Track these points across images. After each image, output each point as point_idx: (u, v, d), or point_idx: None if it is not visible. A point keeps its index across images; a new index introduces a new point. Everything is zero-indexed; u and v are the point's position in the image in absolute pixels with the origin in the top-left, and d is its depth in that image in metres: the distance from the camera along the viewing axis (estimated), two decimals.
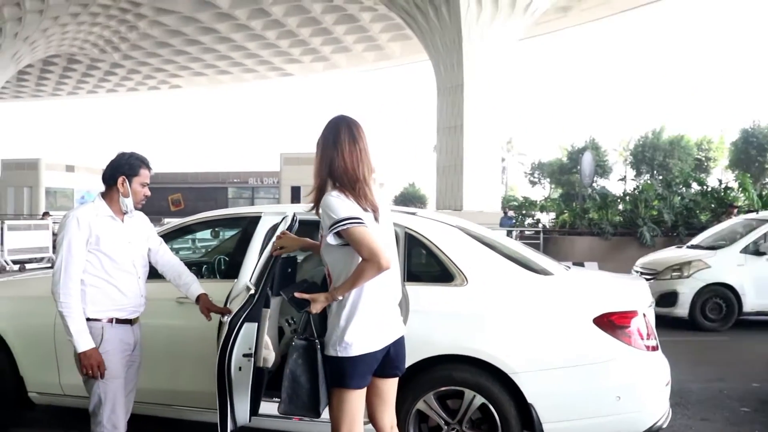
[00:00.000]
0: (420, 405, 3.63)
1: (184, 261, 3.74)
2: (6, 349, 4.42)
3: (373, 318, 2.71)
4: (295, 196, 28.89)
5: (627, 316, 3.53)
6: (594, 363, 3.48)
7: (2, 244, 16.38)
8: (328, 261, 2.77)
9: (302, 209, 3.55)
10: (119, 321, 3.24)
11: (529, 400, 3.47)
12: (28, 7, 34.08)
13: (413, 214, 4.16)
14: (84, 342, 3.09)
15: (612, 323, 3.50)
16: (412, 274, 3.84)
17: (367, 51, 44.51)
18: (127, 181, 3.25)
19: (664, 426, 3.61)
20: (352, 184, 2.70)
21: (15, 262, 16.41)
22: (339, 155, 2.72)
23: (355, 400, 2.74)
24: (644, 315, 3.60)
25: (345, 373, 2.69)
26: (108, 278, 3.20)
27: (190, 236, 6.64)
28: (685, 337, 8.08)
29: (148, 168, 3.34)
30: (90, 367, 3.09)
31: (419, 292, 3.70)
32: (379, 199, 2.80)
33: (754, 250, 9.00)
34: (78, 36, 40.42)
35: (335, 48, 43.96)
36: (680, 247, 10.88)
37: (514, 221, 19.04)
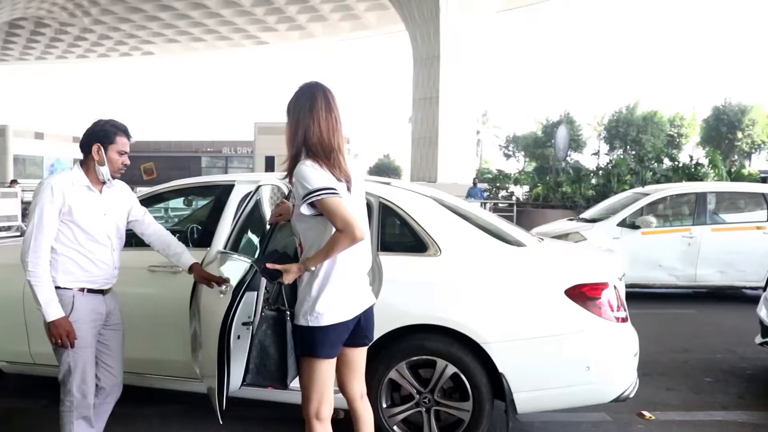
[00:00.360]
0: (392, 374, 3.66)
1: None
2: None
3: (345, 288, 2.71)
4: (270, 165, 28.64)
5: (598, 287, 3.58)
6: (564, 334, 3.53)
7: None
8: (300, 231, 2.73)
9: (276, 178, 3.52)
10: (90, 291, 3.19)
11: (500, 369, 3.52)
12: None
13: (387, 184, 4.15)
14: (53, 311, 3.03)
15: (583, 294, 3.54)
16: (385, 244, 3.84)
17: (343, 20, 44.04)
18: (102, 148, 3.14)
19: (631, 396, 3.68)
20: (327, 154, 2.66)
21: None
22: (315, 123, 2.66)
23: (326, 369, 2.74)
24: (615, 287, 3.65)
25: (315, 343, 2.68)
26: (80, 249, 3.13)
27: (162, 205, 6.57)
28: (653, 310, 8.23)
29: (127, 135, 3.21)
30: (59, 336, 3.04)
31: (393, 262, 3.71)
32: (352, 170, 2.76)
33: (630, 223, 9.05)
34: None
35: (311, 17, 43.43)
36: (572, 219, 10.97)
37: (484, 193, 19.07)
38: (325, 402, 2.76)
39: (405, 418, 3.70)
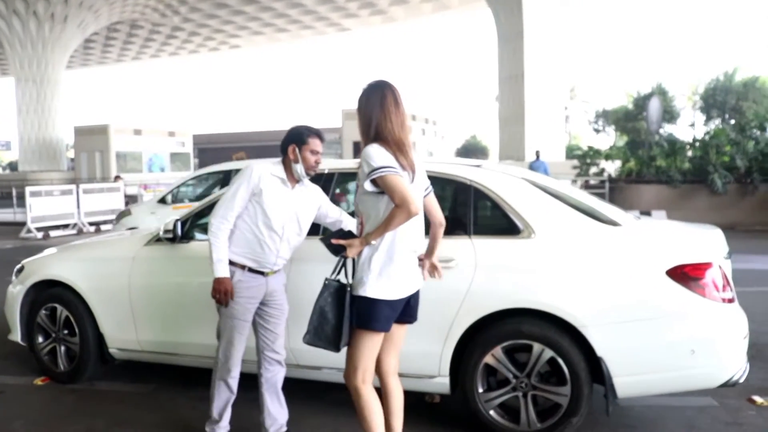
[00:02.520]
0: (488, 359, 3.63)
1: None
2: (87, 308, 4.63)
3: (402, 266, 2.90)
4: (357, 151, 29.00)
5: (702, 267, 3.42)
6: (667, 316, 3.40)
7: (79, 207, 17.05)
8: (363, 209, 2.94)
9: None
10: (252, 270, 3.55)
11: (599, 353, 3.43)
12: None
13: (478, 166, 4.10)
14: (221, 270, 3.46)
15: (686, 275, 3.39)
16: (478, 228, 3.80)
17: (424, 2, 43.74)
18: (297, 149, 3.52)
19: (741, 381, 3.50)
20: (399, 146, 2.89)
21: (91, 224, 17.09)
22: (386, 118, 2.90)
23: (376, 341, 2.94)
24: (720, 266, 3.48)
25: (372, 315, 2.87)
26: (255, 230, 3.51)
27: None
28: (761, 288, 7.80)
29: (319, 137, 3.58)
30: (218, 291, 3.46)
31: (486, 245, 3.68)
32: (417, 162, 2.99)
33: (161, 199, 10.29)
34: (139, 1, 41.08)
35: (393, 0, 43.31)
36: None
37: (548, 168, 18.34)
38: (369, 371, 2.97)
39: (502, 402, 3.67)
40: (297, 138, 3.55)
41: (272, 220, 3.49)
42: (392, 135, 2.89)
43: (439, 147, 36.46)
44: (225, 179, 9.81)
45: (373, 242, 2.86)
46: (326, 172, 4.21)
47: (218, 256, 3.46)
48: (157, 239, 4.45)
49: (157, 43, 53.88)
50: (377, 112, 2.91)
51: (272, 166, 3.57)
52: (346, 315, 2.90)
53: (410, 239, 2.93)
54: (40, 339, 4.91)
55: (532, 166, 17.42)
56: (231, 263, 3.51)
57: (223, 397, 3.69)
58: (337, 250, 2.93)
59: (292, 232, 3.60)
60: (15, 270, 5.23)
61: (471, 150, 69.58)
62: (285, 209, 3.54)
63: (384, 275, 2.86)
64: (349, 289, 2.93)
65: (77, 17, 37.53)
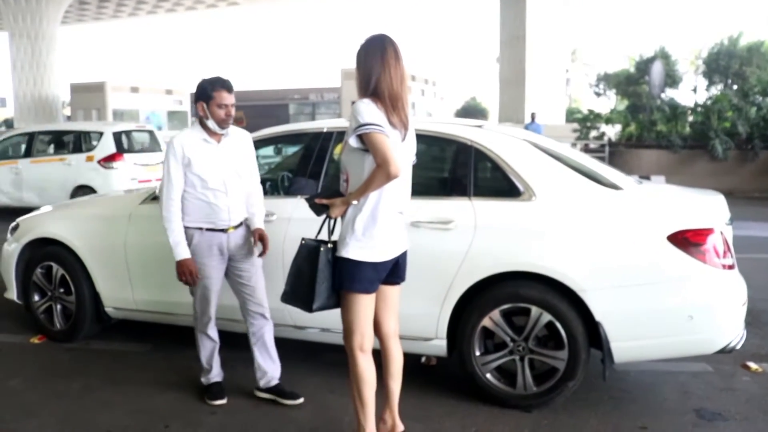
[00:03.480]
0: (485, 322, 3.61)
1: None
2: (83, 267, 4.60)
3: (386, 227, 2.84)
4: None
5: (703, 233, 3.38)
6: (666, 281, 3.37)
7: None
8: (348, 166, 2.89)
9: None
10: (209, 230, 3.63)
11: (597, 318, 3.42)
12: None
13: (479, 127, 4.03)
14: (180, 252, 3.56)
15: (687, 240, 3.36)
16: (478, 189, 3.74)
17: None
18: (205, 105, 3.54)
19: (738, 347, 3.49)
20: (394, 102, 2.80)
21: None
22: (386, 73, 2.80)
23: (365, 303, 2.89)
24: (721, 232, 3.44)
25: (354, 277, 2.83)
26: (198, 194, 3.58)
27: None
28: (758, 254, 7.80)
29: (225, 89, 3.55)
30: (182, 273, 3.57)
31: (485, 207, 3.64)
32: (410, 120, 2.91)
33: None
34: None
35: None
36: None
37: (541, 129, 18.12)
38: (367, 336, 2.93)
39: (498, 366, 3.66)
40: (203, 94, 3.56)
41: (210, 181, 3.56)
42: (390, 89, 2.79)
43: (438, 108, 36.20)
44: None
45: (354, 202, 2.80)
46: (325, 131, 4.13)
47: (175, 239, 3.56)
48: (153, 197, 4.39)
49: None
50: (377, 66, 2.81)
51: (190, 131, 3.67)
52: (320, 276, 2.85)
53: (395, 200, 2.86)
54: (36, 297, 4.89)
55: (528, 129, 17.24)
56: (188, 228, 3.61)
57: (208, 347, 3.82)
58: (320, 210, 2.90)
59: (235, 183, 3.65)
60: (10, 228, 5.19)
61: (471, 112, 69.08)
62: (219, 166, 3.59)
63: (366, 236, 2.80)
64: (324, 250, 2.87)
65: None
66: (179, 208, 3.58)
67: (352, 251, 2.80)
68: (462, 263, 3.58)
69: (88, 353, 4.61)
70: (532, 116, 18.40)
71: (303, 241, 2.96)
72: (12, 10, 36.49)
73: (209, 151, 3.59)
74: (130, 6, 55.39)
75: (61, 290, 4.76)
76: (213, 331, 3.83)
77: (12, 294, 5.04)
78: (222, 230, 3.64)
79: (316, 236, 2.97)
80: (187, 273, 3.56)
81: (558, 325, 3.49)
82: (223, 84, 3.55)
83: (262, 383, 3.81)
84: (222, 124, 3.56)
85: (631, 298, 3.40)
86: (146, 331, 4.87)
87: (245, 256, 3.75)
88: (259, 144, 4.63)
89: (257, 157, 4.00)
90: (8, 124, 64.15)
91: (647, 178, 11.55)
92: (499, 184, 3.77)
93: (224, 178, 3.60)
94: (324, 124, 4.27)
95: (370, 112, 2.74)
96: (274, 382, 3.81)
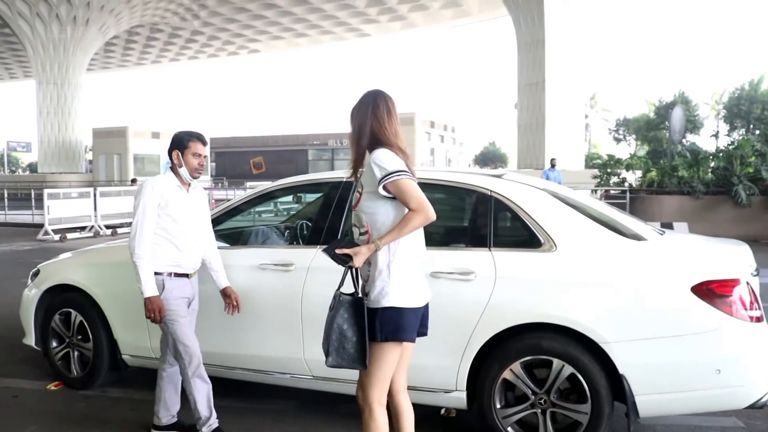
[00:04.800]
0: (506, 374, 3.54)
1: (268, 226, 3.83)
2: (101, 313, 4.60)
3: (419, 271, 2.85)
4: None
5: (728, 284, 3.31)
6: (692, 334, 3.29)
7: (96, 210, 17.14)
8: (370, 215, 2.82)
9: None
10: (177, 275, 3.75)
11: (621, 370, 3.33)
12: None
13: (499, 176, 4.02)
14: (149, 289, 3.63)
15: (712, 292, 3.29)
16: (498, 239, 3.71)
17: (444, 8, 43.73)
18: (180, 154, 3.74)
19: None
20: (402, 152, 2.83)
21: (107, 227, 17.17)
22: (383, 127, 2.84)
23: (397, 353, 2.82)
24: (747, 283, 3.37)
25: (401, 326, 2.75)
26: (169, 237, 3.70)
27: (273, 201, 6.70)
28: None
29: (200, 141, 3.79)
30: (152, 310, 3.62)
31: (506, 258, 3.60)
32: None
33: None
34: (159, 5, 41.43)
35: (412, 6, 43.40)
36: None
37: (561, 178, 17.94)
38: (386, 389, 2.85)
39: (520, 419, 3.57)
40: (179, 144, 3.76)
41: (182, 224, 3.73)
42: (390, 142, 2.82)
43: (457, 154, 36.38)
44: None
45: (381, 246, 2.75)
46: (344, 180, 4.14)
47: (144, 276, 3.63)
48: None
49: (177, 46, 54.28)
50: (369, 121, 2.85)
51: (165, 177, 3.80)
52: (366, 330, 2.75)
53: (421, 244, 2.90)
54: (54, 344, 4.89)
55: (547, 175, 17.09)
56: (158, 273, 3.69)
57: (203, 391, 3.79)
58: (344, 260, 2.79)
59: (198, 231, 3.86)
60: (31, 273, 5.22)
61: (489, 157, 69.38)
62: (189, 212, 3.79)
63: (407, 281, 2.77)
64: (364, 301, 2.78)
65: (99, 21, 37.88)
66: (150, 247, 3.66)
67: (394, 298, 2.74)
68: (482, 314, 3.53)
69: (104, 401, 4.57)
70: (552, 162, 18.22)
71: (338, 296, 2.83)
72: (41, 59, 37.53)
73: (182, 196, 3.78)
74: (154, 53, 56.77)
75: (79, 337, 4.75)
76: (205, 372, 3.82)
77: (30, 340, 5.04)
78: (186, 275, 3.80)
79: (340, 288, 2.87)
80: (156, 310, 3.62)
81: (580, 377, 3.41)
82: (198, 136, 3.80)
83: (164, 420, 3.95)
84: (194, 173, 3.77)
85: (656, 351, 3.31)
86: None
87: (196, 301, 3.95)
88: (279, 192, 4.66)
89: (277, 203, 4.06)
90: (32, 168, 65.40)
91: (669, 224, 11.48)
92: (519, 234, 3.73)
93: (192, 224, 3.80)
94: (344, 174, 4.27)
95: (393, 159, 2.76)
96: (174, 419, 3.97)
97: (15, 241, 15.63)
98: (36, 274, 5.14)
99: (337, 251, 2.79)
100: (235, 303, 3.96)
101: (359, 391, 2.88)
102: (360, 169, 2.94)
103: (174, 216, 3.70)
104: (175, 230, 3.71)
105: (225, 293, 3.97)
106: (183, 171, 3.75)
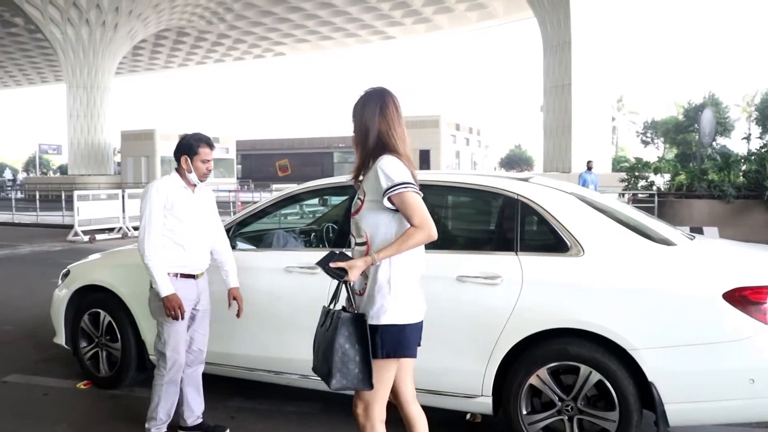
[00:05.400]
0: (533, 380, 3.51)
1: (293, 228, 3.81)
2: (129, 314, 4.65)
3: (418, 286, 2.75)
4: None
5: (762, 291, 3.23)
6: (724, 342, 3.22)
7: (124, 211, 17.36)
8: (370, 225, 2.71)
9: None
10: (183, 275, 3.77)
11: (650, 378, 3.28)
12: None
13: (526, 180, 3.99)
14: (166, 288, 3.66)
15: (745, 299, 3.22)
16: (525, 243, 3.68)
17: (469, 10, 43.59)
18: (189, 159, 3.77)
19: None
20: (408, 158, 2.72)
21: (135, 228, 17.37)
22: (391, 130, 2.72)
23: (395, 368, 2.74)
24: None
25: (403, 342, 2.67)
26: (176, 239, 3.73)
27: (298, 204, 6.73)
28: None
29: (208, 146, 3.80)
30: (172, 308, 3.65)
31: (533, 262, 3.57)
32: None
33: None
34: (186, 9, 41.83)
35: (437, 9, 43.33)
36: None
37: (595, 182, 17.63)
38: (385, 404, 2.77)
39: (546, 425, 3.54)
40: (188, 149, 3.78)
41: (188, 225, 3.77)
42: (401, 144, 2.70)
43: (482, 156, 36.24)
44: None
45: (378, 261, 2.62)
46: None
47: (158, 277, 3.67)
48: None
49: (203, 50, 54.75)
50: (377, 122, 2.71)
51: (170, 179, 3.81)
52: (369, 348, 2.61)
53: (420, 259, 2.77)
54: (83, 343, 4.95)
55: (584, 178, 16.89)
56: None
57: (172, 397, 3.86)
58: (338, 275, 2.63)
59: (205, 231, 3.89)
60: (61, 274, 5.30)
61: (515, 160, 68.99)
62: (195, 212, 3.82)
63: (408, 297, 2.68)
64: (365, 318, 2.65)
65: (127, 25, 38.36)
66: (159, 248, 3.69)
67: (394, 315, 2.64)
68: (509, 319, 3.50)
69: (131, 400, 4.62)
70: (588, 165, 17.94)
71: (334, 313, 2.67)
72: (71, 63, 38.10)
73: (188, 198, 3.81)
74: (181, 57, 57.36)
75: (108, 337, 4.81)
76: (180, 380, 3.88)
77: (60, 339, 5.11)
78: (193, 276, 3.83)
79: (332, 304, 2.75)
80: (176, 306, 3.66)
81: (608, 384, 3.36)
82: (207, 141, 3.81)
83: (189, 421, 3.98)
84: (202, 177, 3.82)
85: (686, 359, 3.25)
86: None
87: (204, 301, 3.95)
88: (305, 195, 4.67)
89: (303, 206, 4.06)
90: (62, 170, 66.42)
91: (699, 229, 11.31)
92: (546, 238, 3.70)
93: (199, 225, 3.83)
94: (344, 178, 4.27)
95: (400, 169, 2.64)
96: (199, 420, 4.00)
97: (46, 241, 15.89)
98: (66, 274, 5.21)
99: (332, 265, 2.64)
100: (239, 306, 3.98)
101: (358, 409, 2.76)
102: (362, 175, 2.79)
103: (180, 217, 3.74)
104: (181, 231, 3.74)
105: (231, 294, 3.99)
106: (192, 176, 3.80)
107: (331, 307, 2.76)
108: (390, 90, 2.82)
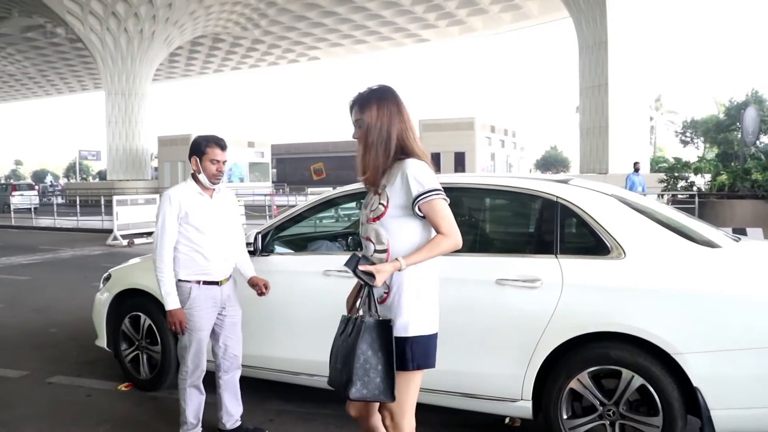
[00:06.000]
0: (573, 384, 3.45)
1: (329, 233, 3.81)
2: None
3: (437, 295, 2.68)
4: (435, 162, 28.92)
5: None
6: None
7: None
8: (394, 231, 2.58)
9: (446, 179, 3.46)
10: (206, 282, 3.75)
11: (695, 383, 3.19)
12: None
13: (566, 182, 3.94)
14: (171, 302, 3.68)
15: None
16: (565, 246, 3.63)
17: (503, 11, 43.36)
18: (198, 160, 3.72)
19: None
20: (427, 158, 2.64)
21: None
22: (409, 131, 2.63)
23: (421, 378, 2.68)
24: None
25: (430, 352, 2.60)
26: (194, 246, 3.71)
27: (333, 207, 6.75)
28: None
29: (218, 146, 3.72)
30: (173, 323, 3.69)
31: (573, 265, 3.51)
32: None
33: None
34: (221, 16, 42.39)
35: (471, 10, 43.20)
36: None
37: (643, 183, 17.27)
38: (413, 413, 2.71)
39: (587, 430, 3.47)
40: (196, 149, 3.73)
41: (205, 232, 3.72)
42: (416, 151, 2.60)
43: (518, 158, 35.95)
44: None
45: (404, 268, 2.51)
46: None
47: (166, 289, 3.67)
48: None
49: (238, 55, 55.40)
50: (396, 123, 2.59)
51: (185, 185, 3.79)
52: (393, 357, 2.49)
53: (438, 268, 2.69)
54: (124, 346, 5.03)
55: (631, 179, 16.59)
56: (185, 282, 3.73)
57: (196, 400, 3.90)
58: (367, 278, 2.50)
59: (226, 236, 3.84)
60: (103, 278, 5.39)
61: (551, 161, 68.35)
62: (212, 218, 3.76)
63: (433, 306, 2.62)
64: (391, 325, 2.52)
65: (164, 33, 39.04)
66: (171, 259, 3.70)
67: (423, 326, 2.58)
68: (549, 322, 3.46)
69: (172, 402, 4.66)
70: (636, 167, 17.60)
71: (358, 319, 2.54)
72: (110, 71, 38.91)
73: (204, 204, 3.75)
74: (216, 63, 58.11)
75: (148, 340, 4.88)
76: (201, 384, 3.92)
77: (102, 342, 5.20)
78: (216, 283, 3.79)
79: (354, 310, 2.68)
80: (177, 322, 3.68)
81: (651, 389, 3.29)
82: (216, 141, 3.74)
83: (228, 425, 4.00)
84: (212, 179, 3.74)
85: (733, 363, 3.16)
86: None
87: (232, 307, 3.93)
88: (342, 199, 4.68)
89: (339, 209, 4.04)
90: (101, 176, 67.73)
91: (742, 230, 11.05)
92: (586, 241, 3.65)
93: (218, 231, 3.78)
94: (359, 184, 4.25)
95: (431, 175, 2.57)
96: (238, 423, 4.02)
97: (86, 245, 16.22)
98: (107, 278, 5.30)
99: (361, 268, 2.50)
100: (264, 288, 3.89)
101: (387, 421, 2.67)
102: (382, 179, 2.63)
103: (197, 225, 3.70)
104: (199, 240, 3.71)
105: (252, 282, 3.94)
106: (203, 177, 3.74)
107: (352, 314, 2.68)
108: (393, 88, 2.72)
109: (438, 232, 2.55)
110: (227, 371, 3.96)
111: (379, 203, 2.61)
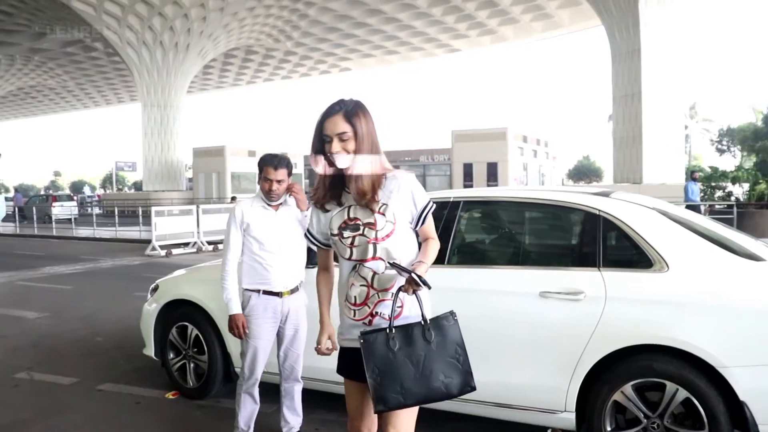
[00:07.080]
0: (617, 396, 3.48)
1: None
2: (215, 328, 4.83)
3: None
4: (468, 173, 28.82)
5: None
6: None
7: (198, 226, 17.89)
8: (402, 246, 2.56)
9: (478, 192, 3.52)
10: (266, 293, 3.89)
11: (741, 397, 3.19)
12: (211, 6, 36.90)
13: (606, 195, 3.97)
14: (232, 307, 3.89)
15: None
16: (607, 259, 3.66)
17: (534, 21, 43.24)
18: (258, 177, 3.94)
19: None
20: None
21: (209, 243, 17.87)
22: (379, 144, 2.58)
23: None
24: None
25: None
26: (256, 257, 3.88)
27: None
28: None
29: (271, 166, 3.84)
30: (234, 326, 3.88)
31: (616, 278, 3.54)
32: None
33: None
34: (254, 28, 42.98)
35: (502, 20, 43.15)
36: None
37: (700, 193, 17.09)
38: None
39: None
40: (258, 167, 3.93)
41: (266, 244, 3.86)
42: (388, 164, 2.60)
43: (550, 168, 35.69)
44: None
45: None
46: (451, 200, 4.19)
47: (228, 296, 3.88)
48: None
49: (271, 67, 56.04)
50: (376, 135, 2.55)
51: (252, 200, 3.98)
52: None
53: None
54: (172, 355, 5.17)
55: (690, 188, 16.36)
56: (246, 290, 3.92)
57: (249, 408, 4.04)
58: (426, 284, 2.41)
59: (290, 249, 3.93)
60: (150, 288, 5.54)
61: (584, 171, 67.73)
62: (275, 231, 3.89)
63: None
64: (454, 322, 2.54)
65: (198, 45, 39.73)
66: (235, 269, 3.91)
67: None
68: (592, 335, 3.49)
69: (218, 411, 4.78)
70: (692, 175, 17.20)
71: (437, 321, 2.51)
72: (145, 83, 39.69)
73: (267, 217, 3.91)
74: (249, 75, 58.82)
75: (195, 349, 5.00)
76: (257, 393, 4.05)
77: (150, 351, 5.34)
78: (277, 294, 3.91)
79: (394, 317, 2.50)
80: (238, 326, 3.87)
81: (696, 402, 3.29)
82: (268, 161, 3.87)
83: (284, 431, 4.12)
84: (267, 195, 3.88)
85: None
86: (275, 391, 5.00)
87: (294, 320, 4.00)
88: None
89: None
90: (137, 186, 68.85)
91: None
92: (629, 254, 3.67)
93: (280, 243, 3.89)
94: (450, 194, 4.33)
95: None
96: (295, 431, 4.13)
97: (125, 256, 16.54)
98: (155, 289, 5.45)
99: (416, 272, 2.41)
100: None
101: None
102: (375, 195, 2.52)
103: (258, 237, 3.87)
104: (260, 251, 3.87)
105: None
106: (259, 193, 3.96)
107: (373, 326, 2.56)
108: None
109: (428, 237, 2.63)
110: (286, 380, 4.07)
111: (386, 221, 2.52)
